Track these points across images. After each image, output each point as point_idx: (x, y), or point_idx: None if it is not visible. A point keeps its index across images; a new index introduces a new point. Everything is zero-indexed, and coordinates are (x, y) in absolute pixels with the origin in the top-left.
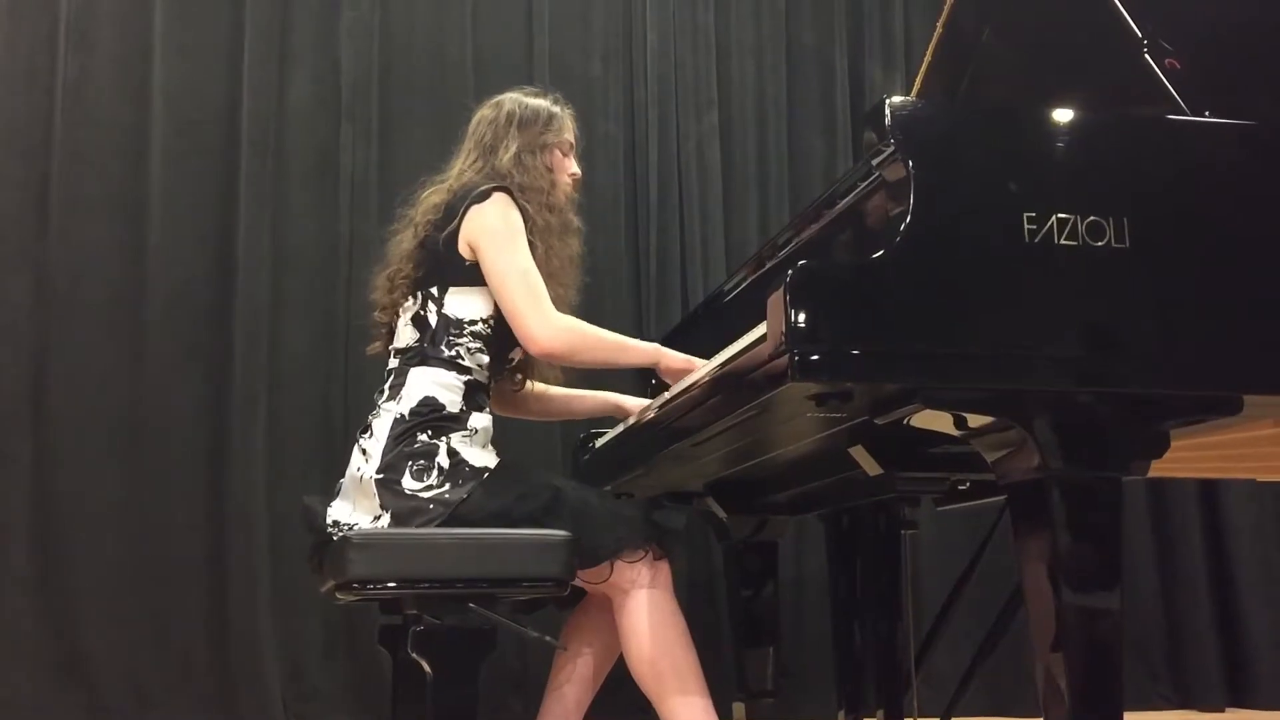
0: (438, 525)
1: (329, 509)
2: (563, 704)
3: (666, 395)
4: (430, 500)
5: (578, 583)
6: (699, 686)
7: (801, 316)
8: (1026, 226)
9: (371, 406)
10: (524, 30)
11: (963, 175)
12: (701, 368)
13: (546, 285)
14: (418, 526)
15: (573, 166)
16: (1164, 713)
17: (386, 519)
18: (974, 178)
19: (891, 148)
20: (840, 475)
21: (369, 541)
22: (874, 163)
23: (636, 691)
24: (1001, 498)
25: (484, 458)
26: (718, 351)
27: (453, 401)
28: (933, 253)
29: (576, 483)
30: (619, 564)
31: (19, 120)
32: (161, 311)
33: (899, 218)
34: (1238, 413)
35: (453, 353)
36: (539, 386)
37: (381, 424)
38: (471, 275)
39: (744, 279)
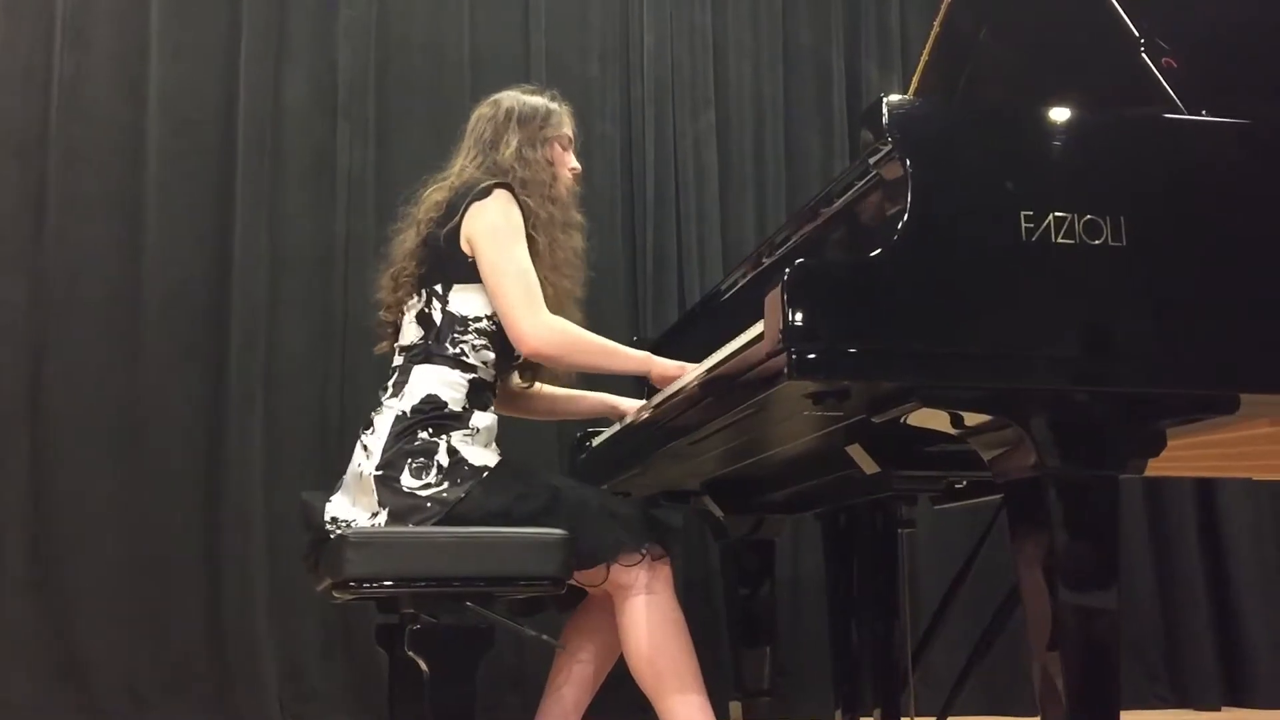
0: (435, 524)
1: (328, 505)
2: (561, 705)
3: (664, 393)
4: (428, 498)
5: (577, 583)
6: (697, 685)
7: (799, 315)
8: (1024, 225)
9: (370, 404)
10: (521, 30)
11: (960, 174)
12: (696, 368)
13: (551, 278)
14: (415, 524)
15: (572, 161)
16: (1161, 712)
17: (384, 516)
18: (971, 176)
19: (889, 146)
20: (837, 474)
21: (366, 540)
22: (871, 161)
23: (636, 690)
24: (998, 496)
25: (484, 457)
26: (715, 351)
27: (455, 400)
28: (930, 251)
29: (576, 483)
30: (617, 566)
31: (15, 119)
32: (158, 311)
33: (896, 216)
34: (1234, 411)
35: (457, 350)
36: (545, 387)
37: (383, 420)
38: (475, 272)
39: (741, 278)
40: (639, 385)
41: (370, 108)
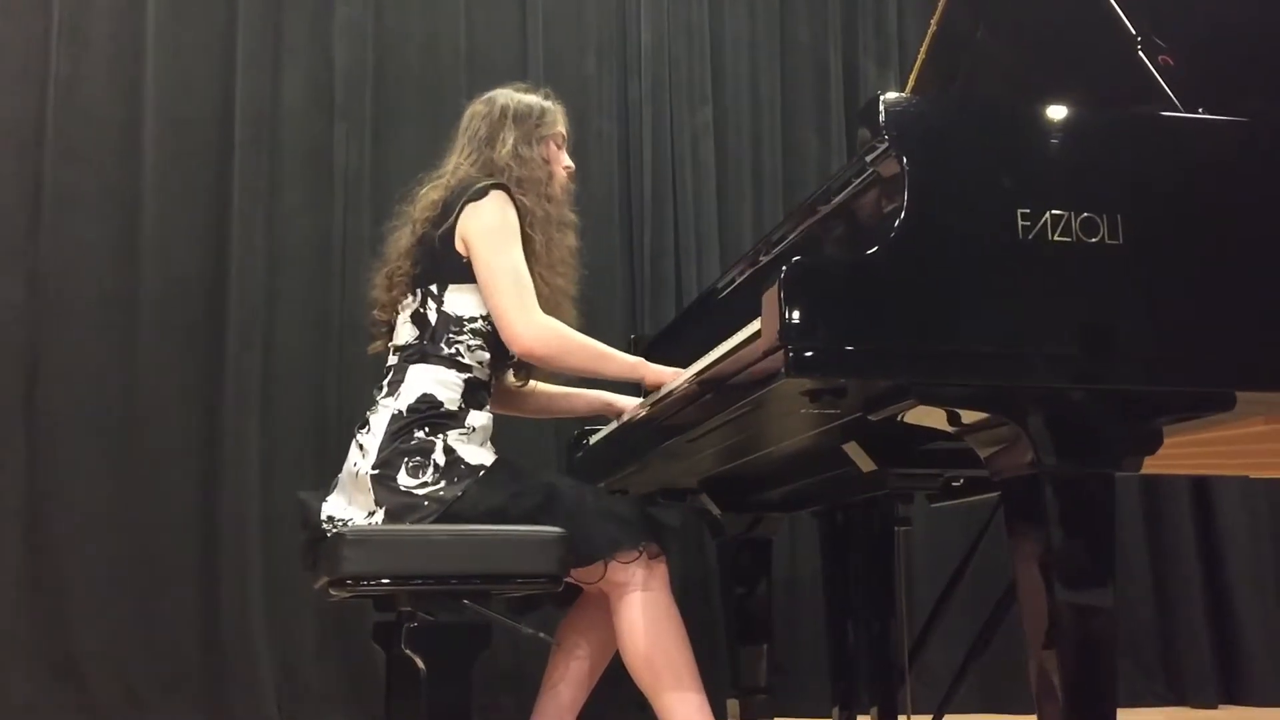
0: (432, 522)
1: (324, 504)
2: (557, 702)
3: (661, 391)
4: (425, 497)
5: (573, 581)
6: (694, 683)
7: (796, 313)
8: (1020, 223)
9: (366, 403)
10: (518, 28)
11: (957, 171)
12: (691, 367)
13: (547, 277)
14: (412, 523)
15: (566, 159)
16: (1158, 709)
17: (381, 515)
18: (968, 174)
19: (886, 144)
20: (834, 472)
21: (363, 538)
22: (868, 159)
23: (635, 688)
24: (995, 494)
25: (480, 455)
26: (712, 349)
27: (451, 399)
28: (927, 249)
29: (573, 481)
30: (614, 563)
31: (11, 117)
32: (155, 309)
33: (893, 214)
34: (1230, 409)
35: (452, 350)
36: (540, 386)
37: (379, 420)
38: (470, 272)
39: (738, 275)
40: (637, 384)
41: (367, 106)
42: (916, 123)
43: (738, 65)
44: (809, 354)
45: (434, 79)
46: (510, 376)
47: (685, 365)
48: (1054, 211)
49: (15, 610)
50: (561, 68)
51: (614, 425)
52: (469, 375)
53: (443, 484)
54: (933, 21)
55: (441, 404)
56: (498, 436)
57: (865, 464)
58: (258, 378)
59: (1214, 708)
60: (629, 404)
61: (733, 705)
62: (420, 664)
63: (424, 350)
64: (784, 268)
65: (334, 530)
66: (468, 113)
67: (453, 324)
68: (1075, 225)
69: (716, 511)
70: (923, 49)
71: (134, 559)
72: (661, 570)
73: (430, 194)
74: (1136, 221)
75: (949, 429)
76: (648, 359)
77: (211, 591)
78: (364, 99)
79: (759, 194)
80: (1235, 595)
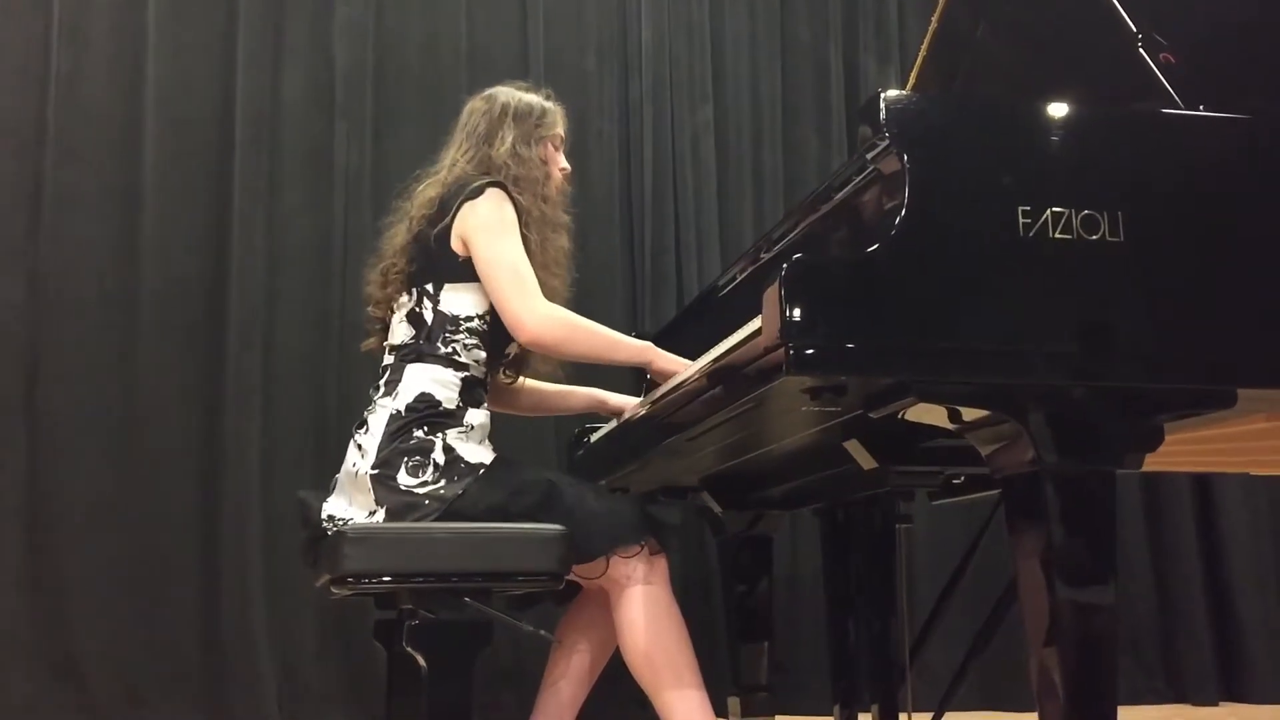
0: (433, 520)
1: (324, 504)
2: (557, 699)
3: (661, 390)
4: (426, 496)
5: (574, 578)
6: (695, 681)
7: (797, 310)
8: (1021, 220)
9: (366, 402)
10: (518, 26)
11: (957, 169)
12: (694, 364)
13: (543, 276)
14: (413, 522)
15: (563, 161)
16: (1158, 707)
17: (381, 514)
18: (969, 172)
19: (886, 141)
20: (835, 469)
21: (364, 536)
22: (869, 157)
23: (635, 685)
24: (996, 491)
25: (480, 453)
26: (713, 346)
27: (449, 398)
28: (927, 246)
29: (573, 478)
30: (614, 560)
31: (12, 116)
32: (155, 309)
33: (894, 211)
34: (1231, 406)
35: (449, 349)
36: (530, 383)
37: (377, 420)
38: (466, 272)
39: (739, 273)
40: (631, 381)
41: (367, 106)
42: (917, 120)
43: (738, 64)
44: (810, 351)
45: (434, 78)
46: (501, 374)
47: None
48: (1055, 209)
49: (15, 610)
50: (562, 67)
51: (614, 423)
52: (466, 374)
53: (443, 483)
54: (933, 19)
55: (439, 403)
56: (498, 435)
57: (866, 461)
58: (258, 377)
59: (1214, 704)
60: (622, 401)
61: (733, 703)
62: (421, 661)
63: (420, 350)
64: (784, 265)
65: (334, 528)
66: (467, 108)
67: (449, 323)
68: (1076, 223)
69: (717, 509)
70: (923, 47)
71: (134, 559)
72: (662, 567)
73: (427, 191)
74: (1137, 219)
75: (950, 426)
76: None
77: (212, 591)
78: (364, 98)
79: (759, 192)
80: (1236, 593)
